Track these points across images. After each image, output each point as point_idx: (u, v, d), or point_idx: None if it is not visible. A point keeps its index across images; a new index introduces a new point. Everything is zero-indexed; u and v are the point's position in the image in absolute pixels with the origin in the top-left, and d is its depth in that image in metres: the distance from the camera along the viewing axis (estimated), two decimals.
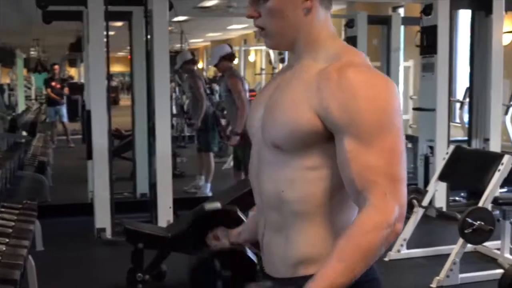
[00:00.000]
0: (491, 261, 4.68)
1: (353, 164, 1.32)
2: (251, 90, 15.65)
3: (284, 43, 1.49)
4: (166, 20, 5.35)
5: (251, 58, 20.65)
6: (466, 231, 4.13)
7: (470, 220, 4.13)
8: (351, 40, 7.27)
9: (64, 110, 12.79)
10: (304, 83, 1.41)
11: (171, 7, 5.40)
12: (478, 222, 4.13)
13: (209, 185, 7.31)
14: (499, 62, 6.15)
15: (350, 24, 7.65)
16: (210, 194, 7.08)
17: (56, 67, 13.59)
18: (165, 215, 5.33)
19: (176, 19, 6.87)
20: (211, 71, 18.07)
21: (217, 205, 3.65)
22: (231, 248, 1.78)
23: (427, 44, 6.06)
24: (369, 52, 7.11)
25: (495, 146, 6.19)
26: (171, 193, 5.42)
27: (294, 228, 1.45)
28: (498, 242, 4.75)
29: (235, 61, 18.56)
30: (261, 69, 16.18)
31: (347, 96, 1.32)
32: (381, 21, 8.22)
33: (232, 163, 9.00)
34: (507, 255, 4.66)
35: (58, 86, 12.83)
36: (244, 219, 2.07)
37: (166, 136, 5.36)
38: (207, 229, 1.84)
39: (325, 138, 1.38)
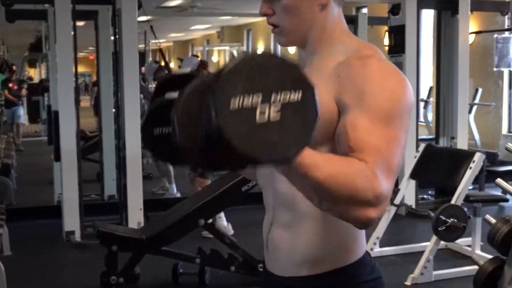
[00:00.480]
0: (462, 258, 4.74)
1: (353, 133, 1.23)
2: None
3: (298, 40, 1.44)
4: (135, 19, 5.28)
5: (214, 58, 20.61)
6: (439, 229, 4.16)
7: (443, 218, 4.17)
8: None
9: (21, 111, 12.58)
10: (323, 76, 1.36)
11: (140, 6, 5.33)
12: (452, 219, 4.17)
13: (174, 185, 7.24)
14: (465, 61, 6.23)
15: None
16: (178, 195, 7.02)
17: (14, 67, 13.35)
18: (135, 217, 5.26)
19: (139, 19, 6.79)
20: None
21: None
22: None
23: (395, 43, 6.10)
24: None
25: (462, 144, 6.27)
26: (141, 194, 5.35)
27: (304, 228, 1.42)
28: (469, 239, 4.82)
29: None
30: None
31: (365, 79, 1.28)
32: (348, 21, 8.22)
33: None
34: (478, 251, 4.72)
35: (16, 87, 12.60)
36: None
37: (136, 137, 5.28)
38: None
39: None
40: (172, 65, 21.13)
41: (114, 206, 5.82)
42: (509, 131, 9.30)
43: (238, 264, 4.04)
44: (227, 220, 5.32)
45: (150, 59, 13.47)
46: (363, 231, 1.44)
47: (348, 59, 1.34)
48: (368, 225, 1.18)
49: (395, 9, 6.14)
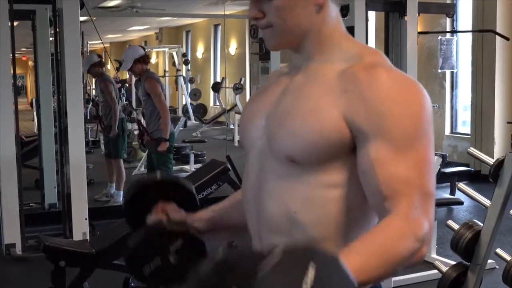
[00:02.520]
0: (421, 263, 4.69)
1: (381, 171, 1.15)
2: None
3: (291, 42, 1.31)
4: (78, 20, 5.03)
5: (153, 60, 20.28)
6: None
7: None
8: (263, 41, 7.18)
9: None
10: (324, 87, 1.23)
11: (82, 6, 5.09)
12: None
13: (121, 192, 6.99)
14: (414, 62, 6.26)
15: None
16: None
17: None
18: (80, 227, 5.00)
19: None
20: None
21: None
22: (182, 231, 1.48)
23: None
24: (284, 51, 7.04)
25: None
26: (86, 203, 5.10)
27: None
28: None
29: None
30: (165, 71, 15.90)
31: (378, 98, 1.16)
32: None
33: (142, 168, 8.76)
34: (434, 255, 4.70)
35: None
36: None
37: (80, 142, 5.03)
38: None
39: (349, 149, 1.21)
40: (109, 66, 20.72)
41: (56, 216, 5.58)
42: (452, 132, 9.44)
43: None
44: None
45: None
46: None
47: (353, 70, 1.21)
48: (422, 260, 1.18)
49: (344, 11, 6.08)
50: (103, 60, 7.93)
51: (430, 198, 1.15)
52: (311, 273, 0.86)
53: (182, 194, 1.57)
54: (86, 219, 5.04)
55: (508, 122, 6.11)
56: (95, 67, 7.12)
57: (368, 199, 1.20)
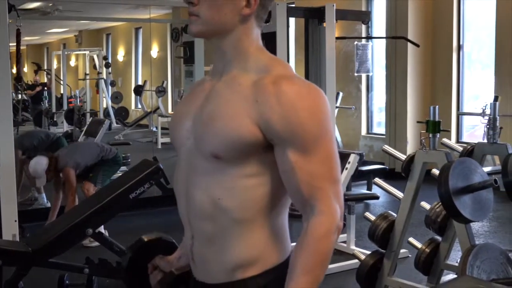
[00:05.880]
0: (339, 254, 4.99)
1: (299, 174, 1.41)
2: (70, 97, 15.21)
3: (210, 33, 1.51)
4: (6, 22, 5.03)
5: (72, 63, 19.98)
6: None
7: None
8: (188, 45, 7.34)
9: None
10: (240, 95, 1.45)
11: (10, 9, 5.10)
12: None
13: (44, 195, 7.00)
14: (332, 67, 6.52)
15: (187, 29, 7.71)
16: (48, 204, 6.79)
17: None
18: (10, 229, 5.02)
19: None
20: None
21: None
22: (177, 275, 1.72)
23: (268, 50, 6.28)
24: (207, 55, 7.23)
25: None
26: (15, 205, 5.11)
27: (233, 235, 1.48)
28: (344, 235, 5.10)
29: (55, 66, 17.84)
30: (85, 74, 15.74)
31: (286, 109, 1.39)
32: None
33: None
34: (353, 246, 5.01)
35: None
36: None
37: (9, 144, 5.04)
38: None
39: (264, 147, 1.44)
40: (25, 69, 20.25)
41: None
42: (368, 132, 9.88)
43: None
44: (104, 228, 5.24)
45: None
46: (287, 231, 1.56)
47: (262, 82, 1.43)
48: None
49: (267, 17, 6.34)
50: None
51: (338, 184, 1.44)
52: None
53: (165, 245, 1.81)
54: (15, 221, 5.07)
55: (417, 122, 6.52)
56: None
57: (290, 196, 1.47)
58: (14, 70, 6.74)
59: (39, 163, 5.69)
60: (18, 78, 6.89)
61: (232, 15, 1.48)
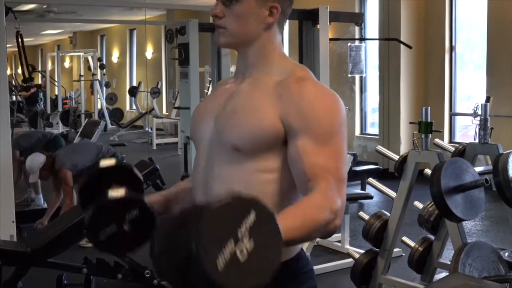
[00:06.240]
0: (334, 253, 5.06)
1: (306, 158, 1.45)
2: (65, 98, 15.25)
3: (237, 43, 1.61)
4: (3, 26, 5.07)
5: (67, 64, 20.01)
6: None
7: None
8: (183, 46, 7.38)
9: None
10: (264, 91, 1.53)
11: (7, 12, 5.14)
12: None
13: (41, 196, 7.04)
14: (326, 68, 6.60)
15: (182, 31, 7.76)
16: (45, 205, 6.83)
17: None
18: (7, 230, 5.05)
19: None
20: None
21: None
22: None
23: None
24: (202, 56, 7.29)
25: None
26: (13, 206, 5.15)
27: None
28: (339, 235, 5.16)
29: (50, 67, 17.81)
30: (80, 75, 15.78)
31: (306, 104, 1.47)
32: (210, 29, 8.43)
33: None
34: (348, 246, 5.07)
35: None
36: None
37: (6, 145, 5.08)
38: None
39: (282, 142, 1.50)
40: (19, 71, 20.27)
41: None
42: (362, 133, 9.96)
43: (125, 271, 4.06)
44: None
45: None
46: None
47: (286, 81, 1.52)
48: (336, 231, 1.46)
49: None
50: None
51: (342, 182, 1.47)
52: (251, 218, 1.13)
53: (132, 179, 1.73)
54: (13, 221, 5.11)
55: (410, 123, 6.59)
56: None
57: (295, 180, 1.51)
58: (20, 71, 6.70)
59: (36, 159, 5.75)
60: (25, 79, 6.89)
61: (257, 24, 1.57)
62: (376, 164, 8.38)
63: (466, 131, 8.74)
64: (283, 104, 1.49)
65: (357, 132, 9.93)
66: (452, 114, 8.73)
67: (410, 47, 7.31)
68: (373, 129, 9.93)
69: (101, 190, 1.60)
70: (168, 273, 1.24)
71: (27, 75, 6.28)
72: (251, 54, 1.59)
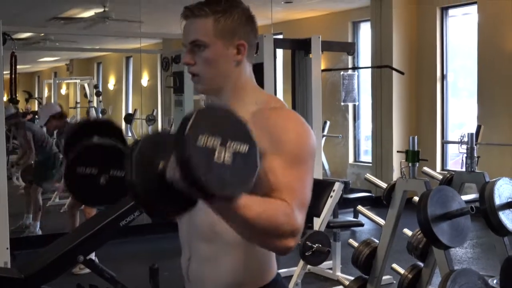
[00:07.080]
0: (325, 280, 5.11)
1: (272, 176, 1.46)
2: None
3: (213, 89, 1.67)
4: (1, 54, 5.14)
5: (63, 91, 20.10)
6: (306, 254, 4.47)
7: (309, 243, 4.48)
8: (178, 75, 7.48)
9: None
10: None
11: (5, 40, 5.22)
12: (317, 244, 4.50)
13: (38, 223, 7.07)
14: (318, 97, 6.69)
15: (177, 59, 7.87)
16: (40, 232, 6.87)
17: None
18: (2, 256, 5.09)
19: None
20: None
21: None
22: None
23: (257, 81, 6.44)
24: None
25: (317, 174, 6.71)
26: (7, 233, 5.20)
27: (226, 257, 1.60)
28: (330, 262, 5.20)
29: (46, 94, 17.85)
30: (76, 102, 15.85)
31: (279, 128, 1.53)
32: None
33: (57, 199, 8.84)
34: (339, 273, 5.11)
35: None
36: None
37: (2, 172, 5.14)
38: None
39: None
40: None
41: None
42: (355, 160, 10.03)
43: None
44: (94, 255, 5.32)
45: None
46: (274, 254, 1.65)
47: (261, 110, 1.58)
48: (287, 252, 1.43)
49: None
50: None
51: (304, 207, 1.48)
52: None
53: (114, 131, 1.81)
54: (7, 248, 5.15)
55: (398, 151, 6.68)
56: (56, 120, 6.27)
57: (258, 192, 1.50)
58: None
59: (52, 105, 5.98)
60: (12, 99, 7.01)
61: (227, 65, 1.63)
62: (369, 191, 8.43)
63: (458, 159, 8.77)
64: (257, 130, 1.50)
65: (351, 159, 10.00)
66: (444, 142, 8.82)
67: (402, 73, 7.42)
68: (366, 156, 10.00)
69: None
70: (141, 196, 1.30)
71: (13, 96, 6.43)
72: (225, 92, 1.65)
